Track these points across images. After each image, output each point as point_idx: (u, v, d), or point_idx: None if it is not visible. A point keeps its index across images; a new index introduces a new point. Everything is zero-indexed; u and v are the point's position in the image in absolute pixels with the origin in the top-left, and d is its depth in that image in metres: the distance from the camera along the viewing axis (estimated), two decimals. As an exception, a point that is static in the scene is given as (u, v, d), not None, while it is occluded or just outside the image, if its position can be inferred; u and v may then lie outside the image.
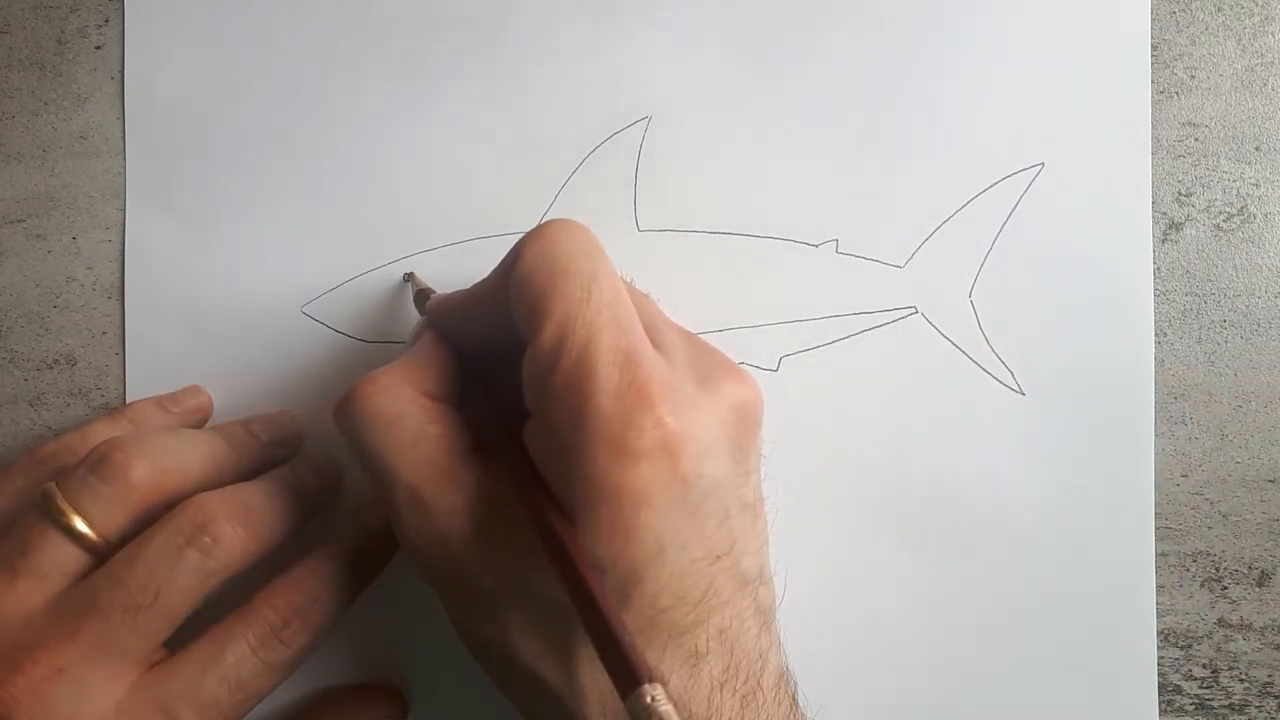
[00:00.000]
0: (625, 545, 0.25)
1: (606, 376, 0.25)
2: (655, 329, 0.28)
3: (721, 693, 0.26)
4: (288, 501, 0.32)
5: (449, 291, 0.32)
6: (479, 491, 0.27)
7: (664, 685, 0.22)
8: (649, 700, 0.21)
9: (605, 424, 0.25)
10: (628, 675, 0.22)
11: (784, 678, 0.28)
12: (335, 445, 0.36)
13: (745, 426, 0.28)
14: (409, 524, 0.28)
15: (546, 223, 0.28)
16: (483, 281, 0.29)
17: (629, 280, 0.30)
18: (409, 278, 0.36)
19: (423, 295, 0.34)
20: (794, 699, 0.28)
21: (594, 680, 0.26)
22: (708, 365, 0.28)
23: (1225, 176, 0.36)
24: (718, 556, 0.26)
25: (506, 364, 0.28)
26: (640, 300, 0.29)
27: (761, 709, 0.26)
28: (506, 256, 0.28)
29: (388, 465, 0.28)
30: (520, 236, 0.28)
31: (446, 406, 0.29)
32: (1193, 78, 0.36)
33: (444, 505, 0.27)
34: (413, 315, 0.36)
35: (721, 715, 0.26)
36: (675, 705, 0.22)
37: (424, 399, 0.29)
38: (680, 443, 0.25)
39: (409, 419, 0.28)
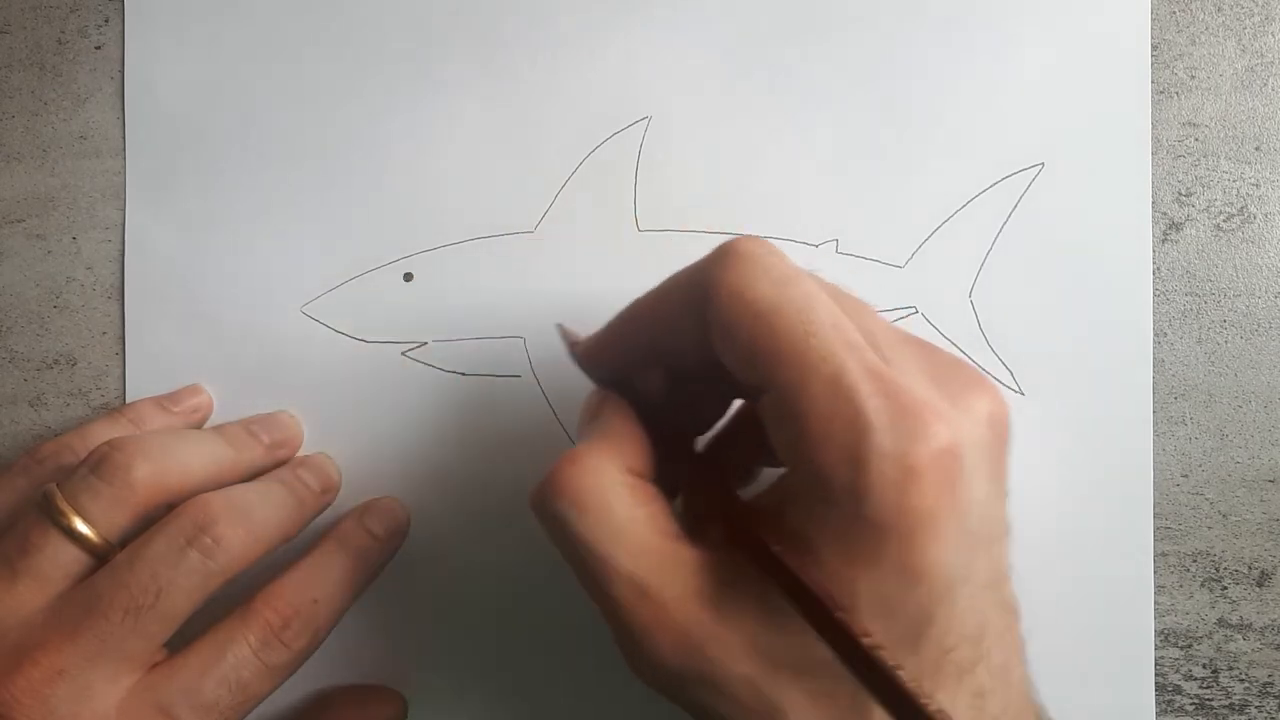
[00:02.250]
0: (916, 584, 0.23)
1: (874, 407, 0.23)
2: (884, 344, 0.25)
3: None
4: (288, 502, 0.32)
5: (592, 334, 0.30)
6: (711, 571, 0.25)
7: None
8: None
9: (890, 459, 0.22)
10: None
11: (1040, 714, 0.26)
12: (335, 447, 0.36)
13: (999, 443, 0.25)
14: (640, 624, 0.24)
15: (729, 250, 0.25)
16: (639, 306, 0.27)
17: (830, 282, 0.27)
18: (560, 328, 0.32)
19: (569, 340, 0.31)
20: None
21: None
22: (950, 377, 0.25)
23: (1225, 176, 0.36)
24: (988, 587, 0.24)
25: (682, 399, 0.27)
26: (852, 307, 0.26)
27: None
28: (691, 285, 0.25)
29: (603, 558, 0.25)
30: (702, 261, 0.25)
31: (651, 483, 0.27)
32: (1193, 78, 0.36)
33: (676, 593, 0.24)
34: (413, 317, 0.36)
35: None
36: None
37: (631, 478, 0.26)
38: (959, 462, 0.23)
39: (619, 503, 0.25)
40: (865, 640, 0.22)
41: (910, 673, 0.22)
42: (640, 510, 0.25)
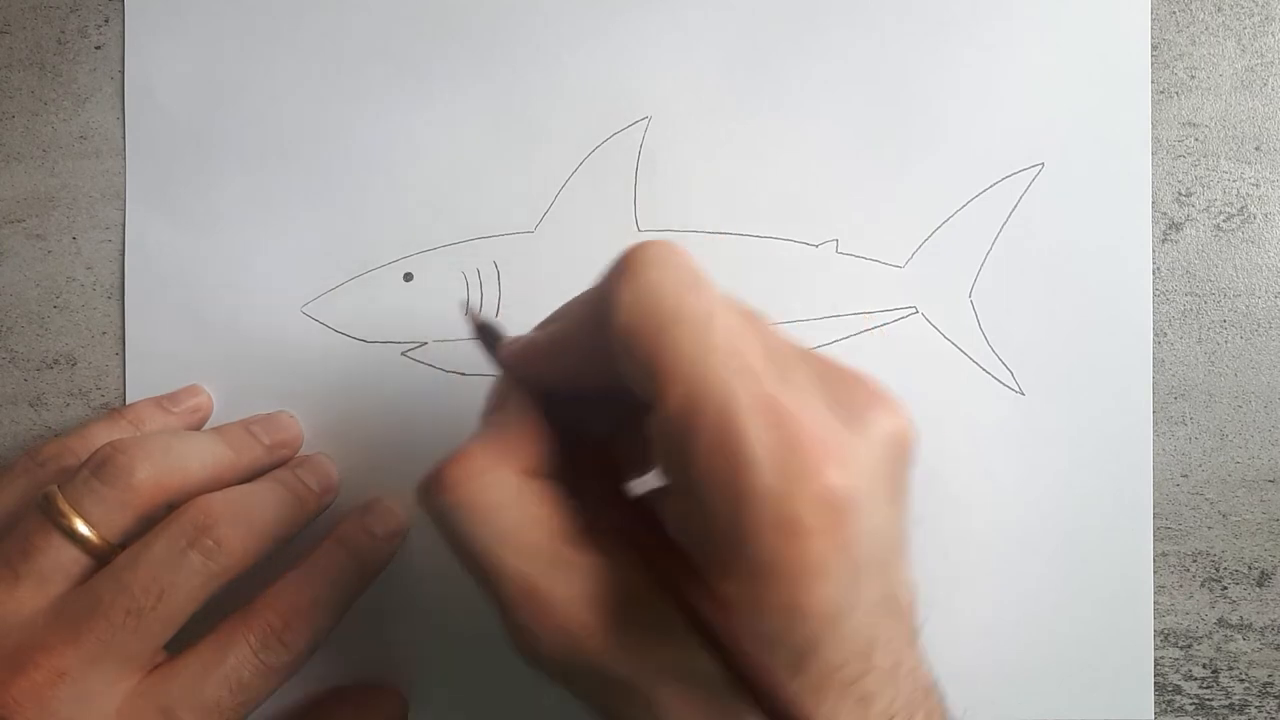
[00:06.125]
0: (802, 621, 0.22)
1: (758, 441, 0.22)
2: (783, 361, 0.24)
3: None
4: (288, 503, 0.32)
5: (523, 336, 0.28)
6: (600, 574, 0.24)
7: None
8: None
9: (771, 504, 0.22)
10: None
11: (931, 690, 0.26)
12: (335, 447, 0.36)
13: (900, 463, 0.25)
14: (525, 621, 0.24)
15: (634, 255, 0.24)
16: (569, 324, 0.26)
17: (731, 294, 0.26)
18: (467, 312, 0.30)
19: (488, 333, 0.29)
20: (943, 706, 0.27)
21: None
22: (850, 397, 0.25)
23: (1225, 176, 0.36)
24: (880, 603, 0.24)
25: (607, 414, 0.26)
26: (756, 325, 0.25)
27: None
28: (595, 298, 0.24)
29: (491, 559, 0.24)
30: (606, 272, 0.24)
31: (547, 483, 0.26)
32: (1193, 78, 0.36)
33: (562, 595, 0.24)
34: (413, 317, 0.36)
35: None
36: None
37: (522, 479, 0.25)
38: (849, 508, 0.22)
39: (510, 505, 0.25)
40: (764, 673, 0.22)
41: (795, 690, 0.22)
42: (532, 511, 0.25)
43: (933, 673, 0.27)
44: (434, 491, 0.25)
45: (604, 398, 0.26)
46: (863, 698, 0.24)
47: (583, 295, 0.26)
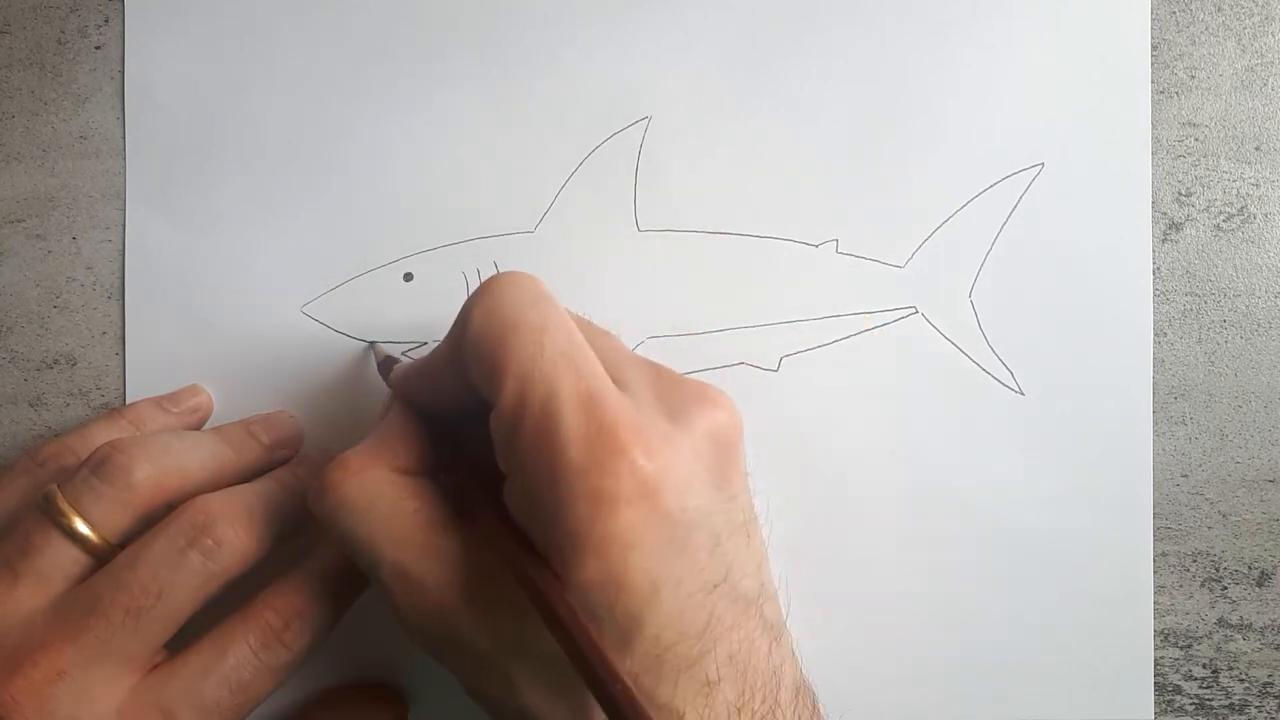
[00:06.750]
0: (619, 592, 0.24)
1: (573, 426, 0.25)
2: (618, 366, 0.28)
3: (739, 717, 0.26)
4: (288, 503, 0.32)
5: (410, 360, 0.32)
6: (465, 559, 0.27)
7: None
8: None
9: (580, 476, 0.25)
10: None
11: (801, 689, 0.28)
12: (335, 446, 0.36)
13: (723, 452, 0.27)
14: (401, 602, 0.27)
15: (490, 279, 0.28)
16: (439, 346, 0.29)
17: (586, 318, 0.30)
18: (372, 347, 0.36)
19: (387, 364, 0.34)
20: (814, 707, 0.28)
21: None
22: (677, 396, 0.28)
23: (1225, 176, 0.36)
24: (715, 585, 0.26)
25: (477, 424, 0.28)
26: (600, 338, 0.29)
27: None
28: (457, 319, 0.28)
29: (369, 548, 0.28)
30: (466, 299, 0.28)
31: (421, 480, 0.29)
32: (1193, 78, 0.36)
33: (432, 579, 0.27)
34: (413, 317, 0.36)
35: None
36: None
37: (396, 476, 0.29)
38: (658, 483, 0.25)
39: (383, 499, 0.28)
40: (586, 645, 0.24)
41: (628, 669, 0.25)
42: (406, 504, 0.28)
43: (806, 678, 0.28)
44: (317, 493, 0.28)
45: (471, 407, 0.28)
46: (705, 683, 0.25)
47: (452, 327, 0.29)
